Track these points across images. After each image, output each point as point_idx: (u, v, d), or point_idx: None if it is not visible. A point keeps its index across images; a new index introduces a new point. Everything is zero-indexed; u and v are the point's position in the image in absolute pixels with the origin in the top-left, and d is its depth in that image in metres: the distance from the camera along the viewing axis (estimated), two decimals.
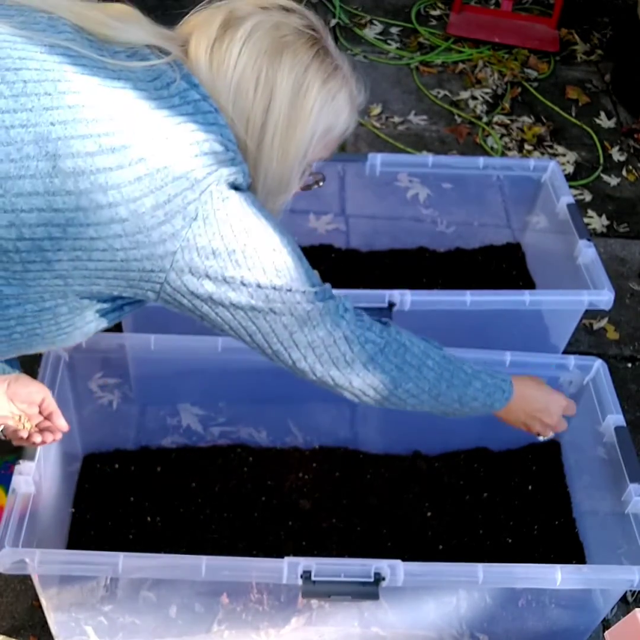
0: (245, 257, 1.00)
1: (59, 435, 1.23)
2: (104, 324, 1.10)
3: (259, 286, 1.02)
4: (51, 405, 1.24)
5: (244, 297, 1.02)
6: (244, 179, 1.03)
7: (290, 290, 1.04)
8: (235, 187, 1.01)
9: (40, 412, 1.24)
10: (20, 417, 1.21)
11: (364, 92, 1.16)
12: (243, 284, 1.01)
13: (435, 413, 1.26)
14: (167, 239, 0.96)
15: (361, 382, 1.14)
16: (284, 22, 1.05)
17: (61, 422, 1.23)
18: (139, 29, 1.04)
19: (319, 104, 1.06)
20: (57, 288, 0.99)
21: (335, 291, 1.12)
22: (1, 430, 1.20)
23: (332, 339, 1.10)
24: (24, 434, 1.20)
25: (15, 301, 0.99)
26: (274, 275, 1.02)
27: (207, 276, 0.99)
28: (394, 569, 1.22)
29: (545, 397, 1.35)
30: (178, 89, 1.00)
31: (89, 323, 1.08)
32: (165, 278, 0.99)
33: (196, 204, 0.96)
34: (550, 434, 1.38)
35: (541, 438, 1.38)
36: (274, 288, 1.03)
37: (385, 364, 1.14)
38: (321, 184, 1.21)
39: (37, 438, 1.21)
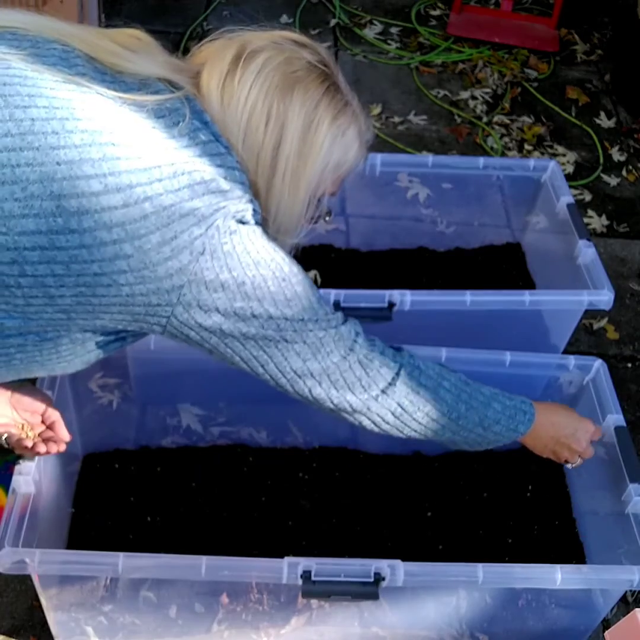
0: (254, 289, 1.00)
1: (62, 446, 1.22)
2: (105, 353, 1.09)
3: (270, 317, 1.02)
4: (54, 414, 1.24)
5: (254, 328, 1.02)
6: (253, 216, 1.03)
7: (302, 319, 1.04)
8: (243, 222, 1.01)
9: (43, 422, 1.23)
10: (23, 425, 1.20)
11: (372, 128, 1.19)
12: (253, 316, 1.01)
13: (460, 443, 1.24)
14: (174, 274, 0.96)
15: (379, 406, 1.13)
16: (296, 57, 1.06)
17: (63, 432, 1.23)
18: (151, 60, 1.03)
19: (329, 140, 1.06)
20: (60, 321, 0.99)
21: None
22: (4, 439, 1.19)
23: (347, 364, 1.09)
24: (28, 443, 1.19)
25: (16, 331, 0.99)
26: (284, 306, 1.02)
27: (216, 309, 0.99)
28: (394, 569, 1.22)
29: (573, 424, 1.32)
30: (188, 128, 1.00)
31: (90, 352, 1.07)
32: (171, 312, 0.99)
33: (203, 239, 0.96)
34: (579, 461, 1.35)
35: (570, 465, 1.35)
36: (286, 318, 1.03)
37: (402, 387, 1.13)
38: (328, 218, 1.21)
39: (42, 448, 1.20)
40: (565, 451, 1.33)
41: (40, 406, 1.22)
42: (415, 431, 1.17)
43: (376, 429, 1.16)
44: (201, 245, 0.96)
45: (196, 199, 0.97)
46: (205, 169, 0.99)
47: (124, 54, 1.02)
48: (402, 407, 1.14)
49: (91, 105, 0.96)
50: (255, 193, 1.05)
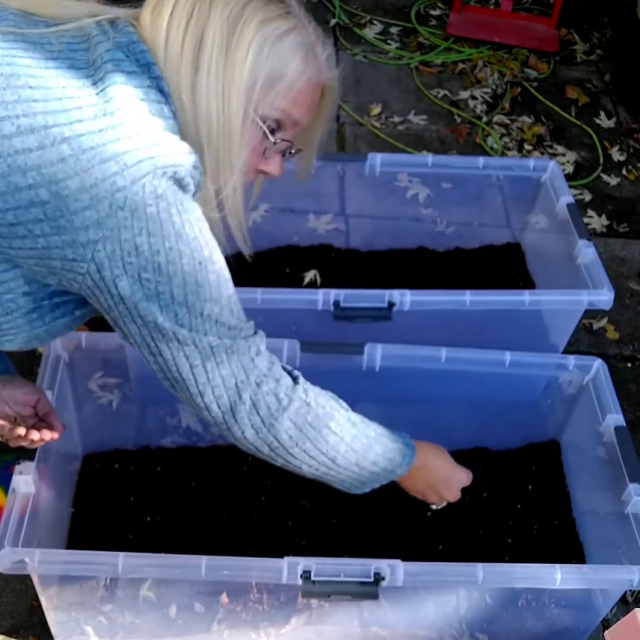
0: (167, 262, 0.94)
1: (56, 434, 1.21)
2: (52, 326, 1.05)
3: (172, 299, 0.96)
4: (46, 405, 1.23)
5: (153, 310, 0.96)
6: (188, 177, 0.96)
7: (201, 314, 0.98)
8: (178, 183, 0.95)
9: (36, 414, 1.22)
10: (15, 418, 1.19)
11: (330, 51, 1.08)
12: (157, 294, 0.95)
13: (332, 481, 1.18)
14: (91, 226, 0.91)
15: (255, 436, 1.07)
16: None
17: (57, 423, 1.22)
18: (87, 5, 1.01)
19: (258, 42, 0.99)
20: None
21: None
22: None
23: (234, 381, 1.03)
24: (21, 432, 1.17)
25: None
26: (191, 291, 0.96)
27: (125, 273, 0.93)
28: (394, 569, 1.22)
29: (448, 470, 1.30)
30: (118, 58, 0.95)
31: (33, 325, 1.03)
32: (86, 269, 0.94)
33: (125, 193, 0.90)
34: (444, 505, 1.34)
35: (434, 507, 1.35)
36: (187, 306, 0.97)
37: (285, 422, 1.06)
38: (293, 151, 1.12)
39: (35, 435, 1.18)
40: (434, 496, 1.31)
41: (31, 398, 1.21)
42: (289, 463, 1.12)
43: (249, 451, 1.11)
44: (122, 198, 0.90)
45: (121, 141, 0.91)
46: (129, 108, 0.93)
47: (58, 2, 1.00)
48: (279, 441, 1.08)
49: (13, 51, 0.94)
50: (183, 120, 0.98)
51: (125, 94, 0.94)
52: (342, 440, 1.12)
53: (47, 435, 1.19)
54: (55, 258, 0.94)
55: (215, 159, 1.01)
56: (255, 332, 1.07)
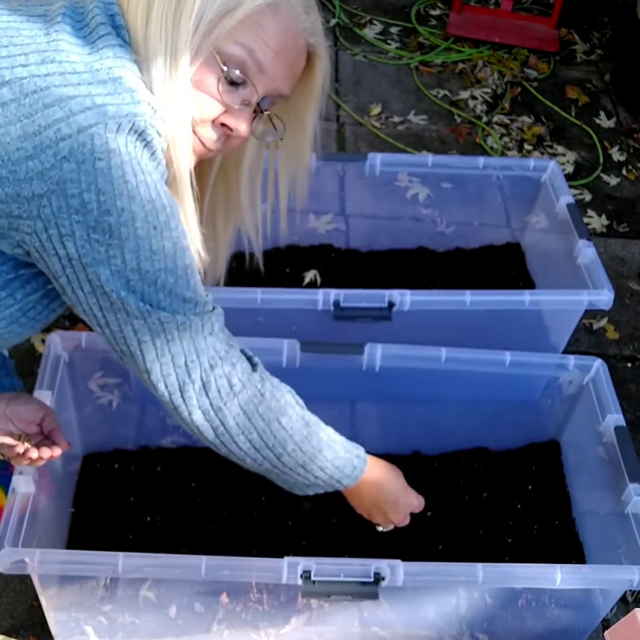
0: (119, 225, 0.88)
1: (57, 452, 1.16)
2: (22, 310, 1.00)
3: (123, 264, 0.90)
4: (52, 423, 1.18)
5: (103, 274, 0.90)
6: (149, 129, 0.89)
7: (154, 282, 0.92)
8: (139, 137, 0.89)
9: (41, 431, 1.18)
10: (20, 436, 1.15)
11: (315, 17, 1.02)
12: (108, 256, 0.89)
13: (275, 479, 1.16)
14: (34, 178, 0.85)
15: (202, 419, 1.02)
16: None
17: (62, 441, 1.17)
18: None
19: None
20: None
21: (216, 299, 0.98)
22: None
23: (183, 359, 0.98)
24: (20, 450, 1.13)
25: None
26: (145, 257, 0.90)
27: (73, 233, 0.88)
28: (394, 569, 1.22)
29: (398, 492, 1.27)
30: (78, 9, 0.93)
31: (10, 307, 0.99)
32: (33, 228, 0.88)
33: (70, 142, 0.85)
34: (390, 527, 1.32)
35: (380, 528, 1.33)
36: (140, 273, 0.91)
37: (234, 408, 1.03)
38: (264, 109, 1.05)
39: (34, 453, 1.12)
40: (380, 516, 1.29)
41: (37, 416, 1.17)
42: (233, 453, 1.08)
43: (193, 434, 1.06)
44: (68, 148, 0.84)
45: (67, 87, 0.86)
46: (82, 57, 0.88)
47: None
48: (225, 427, 1.03)
49: None
50: (136, 52, 0.91)
51: (80, 42, 0.90)
52: (291, 438, 1.08)
53: (46, 453, 1.14)
54: (1, 215, 0.89)
55: (164, 93, 0.94)
56: (213, 309, 1.01)
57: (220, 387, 1.01)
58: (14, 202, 0.87)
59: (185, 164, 0.99)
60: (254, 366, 1.07)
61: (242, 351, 1.07)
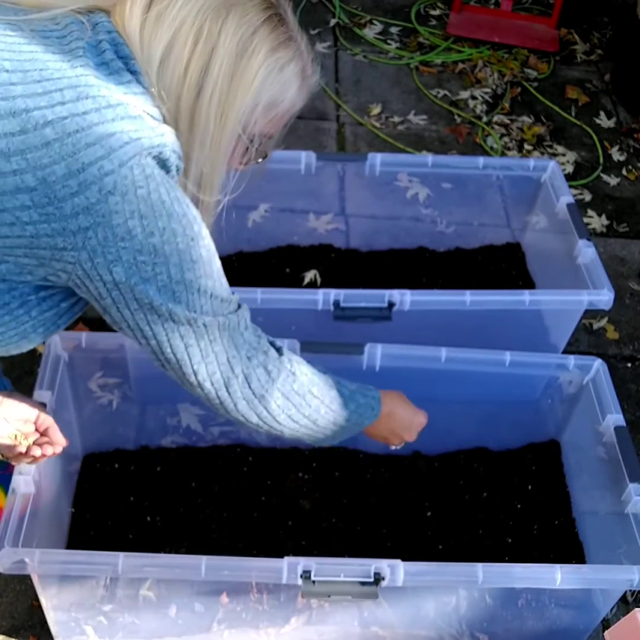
0: (163, 243, 0.94)
1: (59, 449, 1.17)
2: (40, 323, 1.04)
3: (169, 278, 0.96)
4: (47, 420, 1.19)
5: (151, 292, 0.96)
6: (172, 154, 0.96)
7: (198, 290, 0.98)
8: (162, 164, 0.95)
9: (36, 429, 1.18)
10: (16, 436, 1.15)
11: (319, 74, 1.10)
12: (155, 274, 0.95)
13: (306, 438, 1.22)
14: (80, 213, 0.90)
15: (247, 407, 1.10)
16: None
17: (59, 437, 1.18)
18: None
19: (264, 71, 0.99)
20: None
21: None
22: None
23: (225, 357, 1.05)
24: (22, 449, 1.13)
25: None
26: (188, 268, 0.97)
27: (120, 259, 0.93)
28: (394, 569, 1.22)
29: (410, 417, 1.35)
30: (93, 50, 0.94)
31: (20, 321, 1.01)
32: (77, 258, 0.93)
33: (114, 177, 0.90)
34: (403, 444, 1.39)
35: (393, 447, 1.40)
36: (184, 284, 0.97)
37: (274, 392, 1.11)
38: (260, 160, 1.12)
39: (37, 451, 1.14)
40: (396, 439, 1.36)
41: (31, 414, 1.18)
42: (274, 429, 1.15)
43: (237, 421, 1.13)
44: (112, 183, 0.90)
45: (105, 124, 0.90)
46: (111, 93, 0.92)
47: None
48: (268, 411, 1.11)
49: None
50: (176, 128, 0.98)
51: (104, 78, 0.93)
52: (322, 403, 1.17)
53: (49, 450, 1.15)
54: (44, 247, 0.92)
55: (200, 170, 1.02)
56: (240, 305, 1.08)
57: (259, 376, 1.09)
58: (59, 236, 0.91)
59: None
60: (279, 350, 1.14)
61: (267, 339, 1.13)
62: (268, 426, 1.14)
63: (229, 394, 1.08)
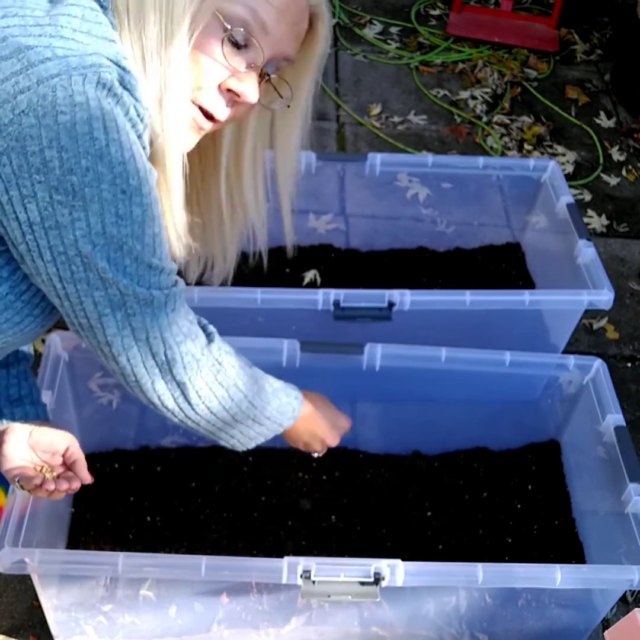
0: (83, 185, 0.82)
1: (76, 485, 1.10)
2: (19, 305, 0.95)
3: (88, 226, 0.84)
4: (75, 454, 1.13)
5: (66, 239, 0.85)
6: (120, 82, 0.84)
7: (121, 248, 0.87)
8: (106, 90, 0.82)
9: (64, 462, 1.13)
10: (42, 468, 1.11)
11: None
12: (72, 219, 0.84)
13: (222, 437, 1.15)
14: None
15: (165, 390, 1.02)
16: None
17: (85, 474, 1.11)
18: None
19: None
20: None
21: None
22: (17, 480, 1.09)
23: (145, 335, 0.95)
24: (37, 482, 1.07)
25: None
26: (111, 222, 0.85)
27: (35, 195, 0.82)
28: (394, 569, 1.22)
29: (332, 419, 1.31)
30: None
31: None
32: None
33: (30, 95, 0.79)
34: (324, 451, 1.35)
35: (315, 455, 1.36)
36: (105, 236, 0.85)
37: (197, 381, 1.03)
38: (270, 73, 1.00)
39: (51, 486, 1.07)
40: (317, 444, 1.31)
41: (61, 446, 1.12)
42: (189, 419, 1.07)
43: (153, 407, 1.05)
44: (26, 101, 0.78)
45: (26, 37, 0.80)
46: (43, 11, 0.83)
47: None
48: (186, 398, 1.04)
49: None
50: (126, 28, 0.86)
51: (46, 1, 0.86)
52: (245, 398, 1.11)
53: (63, 486, 1.08)
54: None
55: (154, 49, 0.90)
56: (176, 283, 0.98)
57: (184, 361, 1.00)
58: None
59: (177, 136, 0.96)
60: (209, 336, 1.07)
61: (199, 322, 1.06)
62: (183, 415, 1.06)
63: (147, 372, 0.99)
